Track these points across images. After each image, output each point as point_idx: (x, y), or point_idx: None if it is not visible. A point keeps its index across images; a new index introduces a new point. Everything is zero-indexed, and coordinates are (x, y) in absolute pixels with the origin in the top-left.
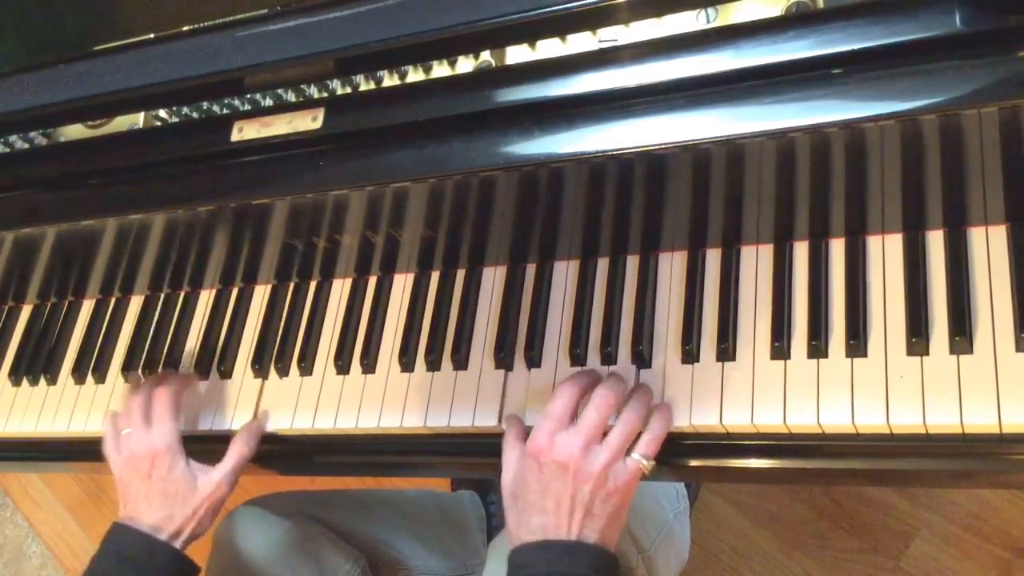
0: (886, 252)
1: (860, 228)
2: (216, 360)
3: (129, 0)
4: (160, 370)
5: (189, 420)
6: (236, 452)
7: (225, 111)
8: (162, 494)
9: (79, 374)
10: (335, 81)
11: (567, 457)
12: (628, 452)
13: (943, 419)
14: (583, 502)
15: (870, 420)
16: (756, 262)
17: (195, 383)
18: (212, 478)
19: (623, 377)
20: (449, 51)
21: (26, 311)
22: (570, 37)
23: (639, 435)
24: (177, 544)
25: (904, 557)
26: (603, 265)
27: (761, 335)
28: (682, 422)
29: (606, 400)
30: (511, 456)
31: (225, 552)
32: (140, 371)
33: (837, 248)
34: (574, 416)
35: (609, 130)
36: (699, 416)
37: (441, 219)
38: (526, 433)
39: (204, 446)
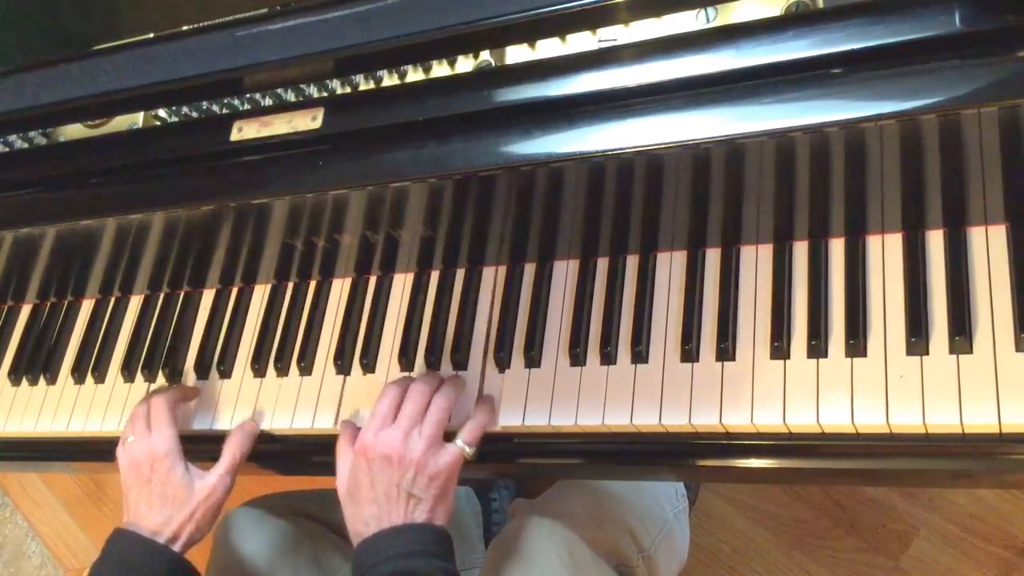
0: (886, 252)
1: (860, 228)
2: (216, 360)
3: (129, 0)
4: (159, 371)
5: (189, 420)
6: (229, 455)
7: (225, 111)
8: (161, 498)
9: (79, 374)
10: (335, 81)
11: (390, 449)
12: (452, 439)
13: (943, 419)
14: (408, 488)
15: (870, 420)
16: (756, 262)
17: (195, 392)
18: (207, 481)
19: (438, 374)
20: (449, 51)
21: (26, 311)
22: (570, 37)
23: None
24: (176, 548)
25: (904, 557)
26: (603, 265)
27: (761, 335)
28: (682, 421)
29: (420, 393)
30: (344, 460)
31: (224, 553)
32: (141, 373)
33: (837, 248)
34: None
35: (609, 130)
36: (699, 416)
37: (441, 219)
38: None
39: (204, 446)
